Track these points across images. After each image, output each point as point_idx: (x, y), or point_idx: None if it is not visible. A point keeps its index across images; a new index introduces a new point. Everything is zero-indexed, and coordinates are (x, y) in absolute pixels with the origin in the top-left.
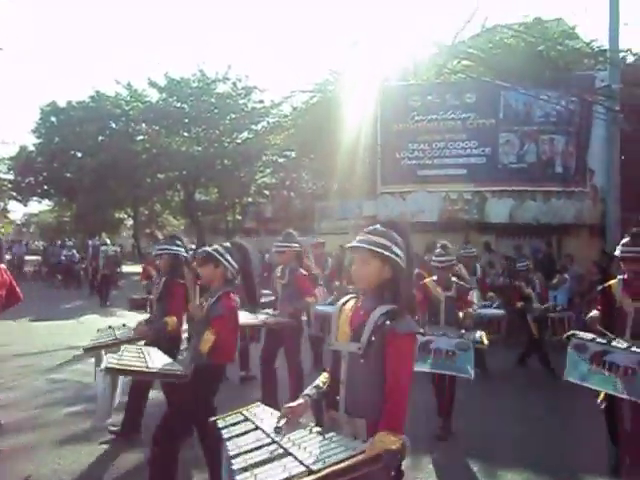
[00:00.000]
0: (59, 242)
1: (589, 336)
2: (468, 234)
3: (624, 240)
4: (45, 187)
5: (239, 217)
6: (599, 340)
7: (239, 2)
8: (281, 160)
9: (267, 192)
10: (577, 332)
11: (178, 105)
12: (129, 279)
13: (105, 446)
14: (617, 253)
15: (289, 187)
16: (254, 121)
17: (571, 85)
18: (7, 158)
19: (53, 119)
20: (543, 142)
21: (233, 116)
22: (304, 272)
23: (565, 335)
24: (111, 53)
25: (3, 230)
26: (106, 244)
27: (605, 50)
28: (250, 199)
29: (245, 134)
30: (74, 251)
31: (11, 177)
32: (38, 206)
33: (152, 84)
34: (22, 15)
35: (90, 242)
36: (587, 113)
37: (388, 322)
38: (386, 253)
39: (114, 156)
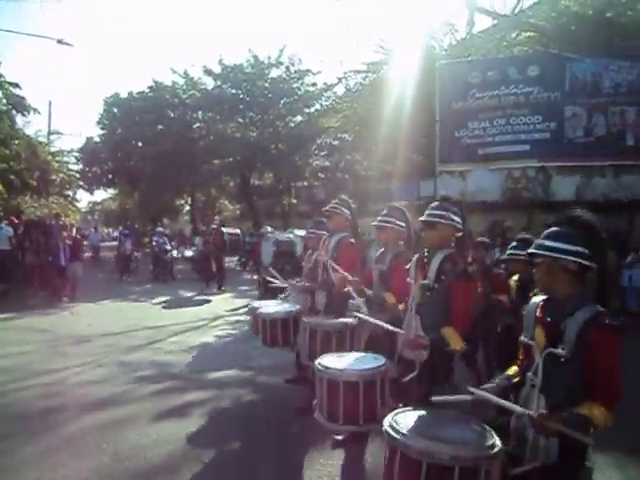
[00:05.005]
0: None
1: None
2: (532, 213)
3: None
4: (110, 176)
5: (294, 200)
6: None
7: None
8: (335, 143)
9: (322, 175)
10: None
11: (233, 91)
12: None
13: (205, 418)
14: None
15: (343, 169)
16: (308, 104)
17: None
18: (75, 150)
19: (115, 110)
20: (613, 114)
21: (287, 100)
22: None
23: None
24: (168, 42)
25: (71, 218)
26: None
27: None
28: (305, 182)
29: (299, 118)
30: (166, 238)
31: (79, 167)
32: (101, 194)
33: (207, 72)
34: (85, 12)
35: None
36: None
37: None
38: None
39: (173, 144)
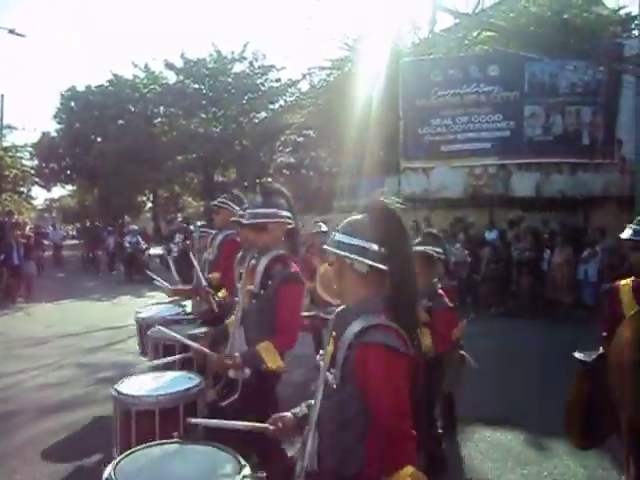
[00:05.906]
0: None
1: None
2: (493, 209)
3: None
4: (68, 172)
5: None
6: None
7: None
8: (300, 139)
9: (287, 171)
10: None
11: (195, 86)
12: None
13: None
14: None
15: (308, 166)
16: (272, 100)
17: (598, 54)
18: (29, 145)
19: (72, 104)
20: (569, 114)
21: (251, 96)
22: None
23: None
24: (127, 34)
25: (25, 216)
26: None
27: (635, 17)
28: (269, 179)
29: (263, 114)
30: (138, 237)
31: (34, 163)
32: (59, 191)
33: (169, 66)
34: (39, 1)
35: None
36: (615, 82)
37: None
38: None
39: (134, 140)
